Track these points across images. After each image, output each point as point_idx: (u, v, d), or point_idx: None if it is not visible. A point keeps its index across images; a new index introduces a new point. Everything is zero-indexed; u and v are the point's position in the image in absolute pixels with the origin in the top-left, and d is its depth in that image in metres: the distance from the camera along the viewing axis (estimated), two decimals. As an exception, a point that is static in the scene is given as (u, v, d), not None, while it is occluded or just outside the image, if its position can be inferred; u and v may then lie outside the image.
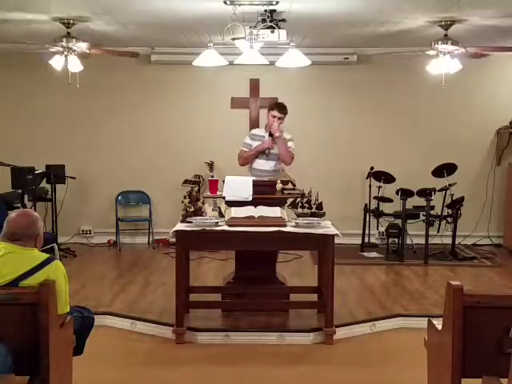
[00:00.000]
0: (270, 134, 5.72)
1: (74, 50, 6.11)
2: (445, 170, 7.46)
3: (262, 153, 5.79)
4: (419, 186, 7.41)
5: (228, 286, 5.38)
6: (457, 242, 7.71)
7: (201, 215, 4.86)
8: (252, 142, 5.83)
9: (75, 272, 6.37)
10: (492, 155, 8.32)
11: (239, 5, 5.15)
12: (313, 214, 4.89)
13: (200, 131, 8.03)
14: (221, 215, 4.99)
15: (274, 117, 5.68)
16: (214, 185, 5.23)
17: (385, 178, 7.68)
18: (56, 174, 7.50)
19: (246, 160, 5.87)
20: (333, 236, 4.58)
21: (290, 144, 5.74)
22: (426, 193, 7.29)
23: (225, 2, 5.15)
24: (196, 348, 4.65)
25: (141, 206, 8.37)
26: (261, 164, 5.80)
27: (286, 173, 5.72)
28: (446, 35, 6.00)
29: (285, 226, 4.64)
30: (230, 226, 4.63)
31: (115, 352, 4.52)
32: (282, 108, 5.74)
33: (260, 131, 5.95)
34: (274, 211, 4.73)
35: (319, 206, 4.97)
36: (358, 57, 7.97)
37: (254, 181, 5.09)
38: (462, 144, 8.14)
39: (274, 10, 5.35)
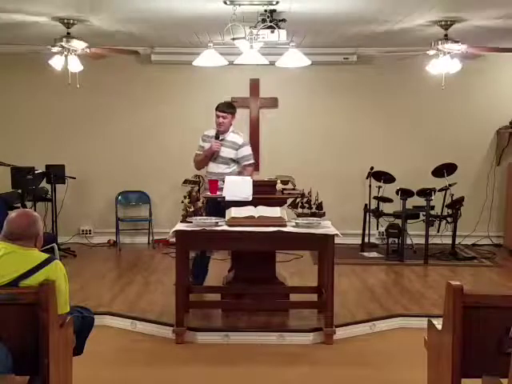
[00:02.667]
0: (217, 137, 5.67)
1: (74, 50, 6.10)
2: (445, 170, 7.46)
3: (212, 156, 5.71)
4: (419, 186, 7.40)
5: (228, 286, 5.38)
6: (457, 242, 7.70)
7: (201, 215, 4.86)
8: (204, 143, 5.80)
9: (75, 272, 6.36)
10: (492, 155, 8.31)
11: (239, 5, 5.15)
12: (313, 214, 4.89)
13: (200, 131, 7.99)
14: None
15: (218, 116, 5.65)
16: (213, 185, 5.24)
17: (385, 178, 7.67)
18: (56, 173, 7.49)
19: (198, 164, 5.88)
20: (333, 236, 4.57)
21: (244, 152, 5.67)
22: (426, 193, 7.29)
23: (225, 2, 5.15)
24: (196, 348, 4.65)
25: (141, 206, 8.37)
26: (212, 167, 5.76)
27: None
28: (445, 35, 6.00)
29: (285, 225, 4.63)
30: (230, 225, 4.64)
31: (115, 352, 4.51)
32: (225, 107, 5.68)
33: (211, 132, 5.80)
34: (274, 211, 4.72)
35: (319, 206, 4.97)
36: (357, 57, 7.96)
37: (254, 181, 5.10)
38: (462, 144, 8.13)
39: (274, 10, 5.34)
